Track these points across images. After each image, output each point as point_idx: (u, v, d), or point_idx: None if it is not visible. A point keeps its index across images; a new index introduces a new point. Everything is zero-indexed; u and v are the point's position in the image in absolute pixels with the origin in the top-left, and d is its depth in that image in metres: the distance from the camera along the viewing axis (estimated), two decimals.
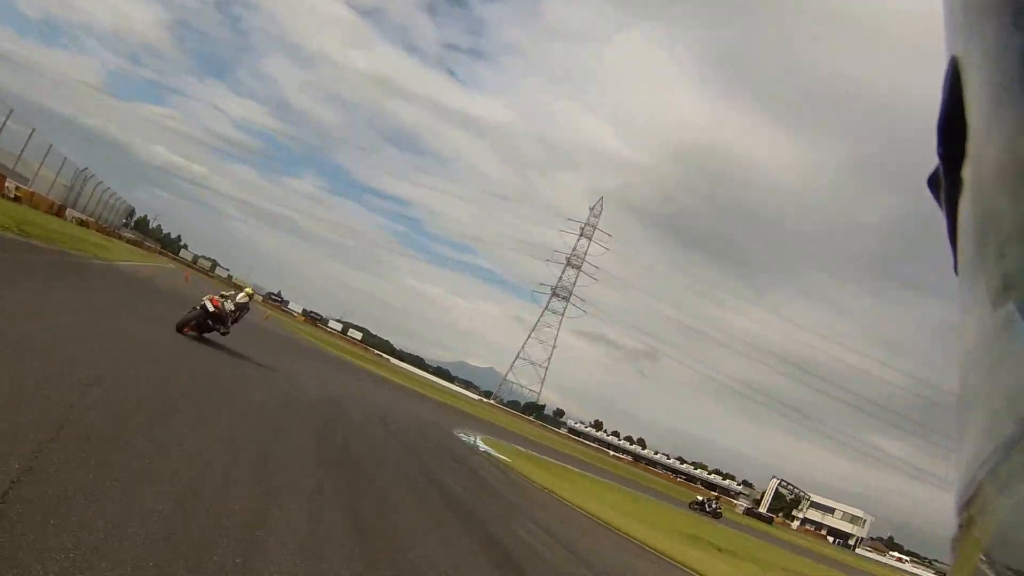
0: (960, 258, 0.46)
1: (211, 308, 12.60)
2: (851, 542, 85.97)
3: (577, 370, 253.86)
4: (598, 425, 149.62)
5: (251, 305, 14.91)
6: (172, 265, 58.56)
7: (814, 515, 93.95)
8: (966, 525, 0.40)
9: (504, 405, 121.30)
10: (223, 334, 13.25)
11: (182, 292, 24.55)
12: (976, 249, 0.42)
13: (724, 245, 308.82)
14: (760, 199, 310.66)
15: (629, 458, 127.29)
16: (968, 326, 0.43)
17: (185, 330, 12.35)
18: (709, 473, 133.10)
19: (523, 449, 28.03)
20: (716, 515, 33.99)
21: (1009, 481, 0.35)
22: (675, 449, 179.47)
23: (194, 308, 12.66)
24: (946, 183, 0.48)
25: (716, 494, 40.43)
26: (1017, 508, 0.34)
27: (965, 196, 0.44)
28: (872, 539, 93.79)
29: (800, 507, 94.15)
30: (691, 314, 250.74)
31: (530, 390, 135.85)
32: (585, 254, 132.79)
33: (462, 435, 21.57)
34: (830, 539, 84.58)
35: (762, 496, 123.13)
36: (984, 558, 0.37)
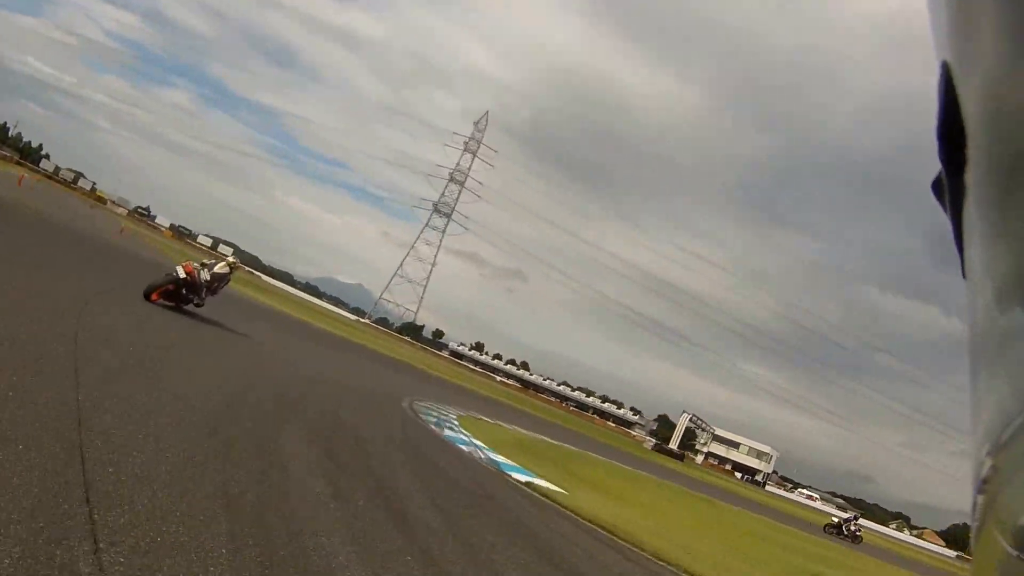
0: (967, 262, 0.46)
1: (182, 275, 11.25)
2: (759, 478, 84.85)
3: (452, 290, 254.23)
4: (479, 347, 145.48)
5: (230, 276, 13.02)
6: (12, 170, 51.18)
7: (718, 449, 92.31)
8: (982, 516, 0.40)
9: (375, 323, 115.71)
10: (197, 305, 11.85)
11: None
12: (982, 252, 0.42)
13: (597, 170, 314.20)
14: (634, 127, 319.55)
15: (517, 384, 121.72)
16: (976, 329, 0.43)
17: (153, 296, 10.96)
18: (603, 402, 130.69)
19: (524, 432, 19.84)
20: (856, 539, 29.13)
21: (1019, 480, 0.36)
22: (557, 373, 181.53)
23: (168, 274, 11.44)
24: (950, 188, 0.47)
25: (854, 513, 33.23)
26: None
27: (969, 200, 0.44)
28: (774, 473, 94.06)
29: (703, 441, 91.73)
30: (566, 237, 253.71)
31: (407, 309, 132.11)
32: (469, 170, 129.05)
33: (448, 430, 13.23)
34: (737, 475, 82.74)
35: (656, 427, 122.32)
36: (1005, 540, 0.37)
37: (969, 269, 0.45)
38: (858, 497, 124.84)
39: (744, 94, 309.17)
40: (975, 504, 0.41)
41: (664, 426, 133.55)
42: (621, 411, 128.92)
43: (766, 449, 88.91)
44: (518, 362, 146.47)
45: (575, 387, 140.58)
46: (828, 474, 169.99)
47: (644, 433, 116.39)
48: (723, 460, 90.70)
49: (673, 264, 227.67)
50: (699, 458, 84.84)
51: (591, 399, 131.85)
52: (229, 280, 12.99)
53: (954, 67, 0.44)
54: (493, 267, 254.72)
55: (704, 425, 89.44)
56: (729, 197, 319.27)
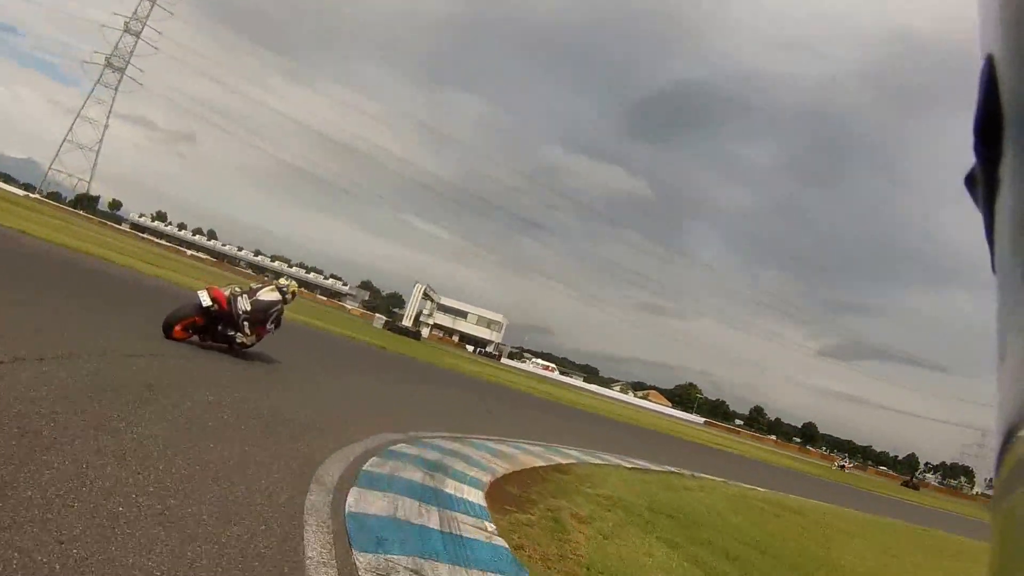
0: (998, 256, 0.46)
1: (206, 302, 7.98)
2: (491, 350, 79.69)
3: (127, 157, 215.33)
4: (162, 217, 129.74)
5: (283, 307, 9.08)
6: None
7: (444, 320, 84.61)
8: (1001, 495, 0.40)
9: (46, 199, 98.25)
10: (242, 346, 8.38)
11: None
12: (1014, 247, 0.42)
13: (279, 28, 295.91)
14: None
15: (210, 257, 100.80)
16: (1007, 325, 0.43)
17: (176, 332, 7.81)
18: (307, 273, 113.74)
19: None
20: None
21: None
22: (245, 241, 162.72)
23: (190, 302, 8.40)
24: (983, 182, 0.47)
25: None
26: None
27: (1002, 194, 0.44)
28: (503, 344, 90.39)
29: (427, 312, 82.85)
30: (244, 98, 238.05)
31: (79, 179, 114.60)
32: (147, 18, 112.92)
33: None
34: (468, 348, 76.24)
35: (369, 296, 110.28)
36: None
37: (999, 263, 0.45)
38: (546, 351, 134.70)
39: None
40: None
41: (374, 294, 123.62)
42: (329, 282, 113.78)
43: (497, 317, 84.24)
44: (205, 231, 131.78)
45: (271, 256, 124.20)
46: (511, 329, 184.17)
47: (358, 305, 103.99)
48: (450, 332, 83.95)
49: (353, 124, 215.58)
50: (425, 331, 75.82)
51: (293, 269, 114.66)
52: (281, 310, 8.98)
53: (999, 61, 0.44)
54: (166, 131, 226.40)
55: (431, 294, 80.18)
56: (414, 59, 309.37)
